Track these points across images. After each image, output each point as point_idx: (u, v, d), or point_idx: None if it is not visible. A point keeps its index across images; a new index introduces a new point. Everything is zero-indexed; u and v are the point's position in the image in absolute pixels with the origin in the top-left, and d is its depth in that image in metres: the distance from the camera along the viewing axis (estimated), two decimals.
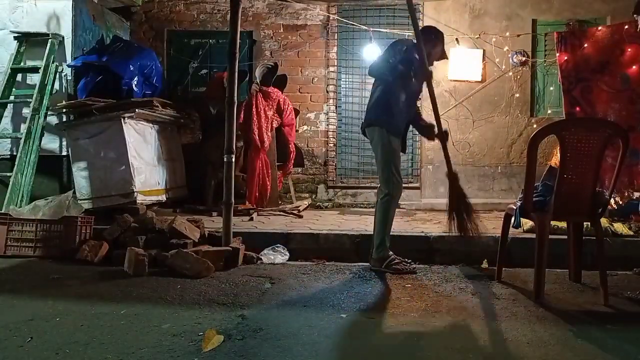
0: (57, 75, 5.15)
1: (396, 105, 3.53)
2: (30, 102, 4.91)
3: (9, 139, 5.15)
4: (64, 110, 5.12)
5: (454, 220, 3.60)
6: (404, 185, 4.02)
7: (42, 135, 4.97)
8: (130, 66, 5.18)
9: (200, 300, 2.82)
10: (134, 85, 5.16)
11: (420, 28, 3.71)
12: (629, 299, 2.98)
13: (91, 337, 2.25)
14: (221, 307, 2.69)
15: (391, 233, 3.65)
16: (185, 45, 6.58)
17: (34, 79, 5.10)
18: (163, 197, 5.31)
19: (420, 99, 4.06)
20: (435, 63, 3.87)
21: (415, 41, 3.61)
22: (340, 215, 5.41)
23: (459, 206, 3.60)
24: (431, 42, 3.63)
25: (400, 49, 3.52)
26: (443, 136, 3.69)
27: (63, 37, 5.23)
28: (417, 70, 3.54)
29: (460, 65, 6.14)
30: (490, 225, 4.59)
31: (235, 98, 3.86)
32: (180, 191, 5.74)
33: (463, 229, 3.57)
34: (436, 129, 3.68)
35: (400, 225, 4.51)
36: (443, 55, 3.80)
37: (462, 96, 6.26)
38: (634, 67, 4.71)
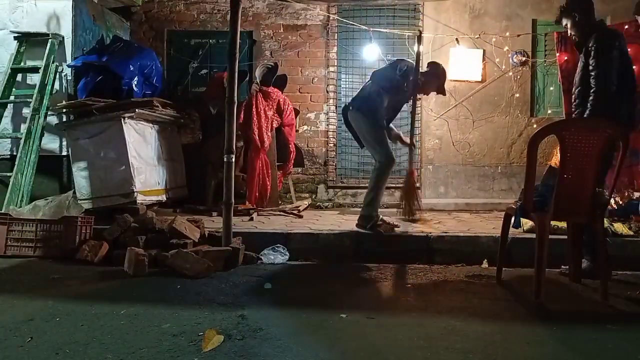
0: (57, 75, 5.15)
1: (381, 109, 4.18)
2: (30, 102, 4.91)
3: (9, 139, 5.15)
4: (64, 110, 5.12)
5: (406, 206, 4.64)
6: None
7: (42, 135, 4.97)
8: (130, 66, 5.17)
9: (200, 300, 2.82)
10: (134, 85, 5.16)
11: (428, 62, 4.67)
12: (629, 299, 2.98)
13: (91, 337, 2.25)
14: (221, 307, 2.69)
15: (391, 233, 3.98)
16: (185, 45, 6.58)
17: (34, 79, 5.10)
18: (163, 197, 5.31)
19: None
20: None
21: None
22: (340, 215, 5.41)
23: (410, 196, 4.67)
24: (431, 76, 4.41)
25: (401, 67, 4.22)
26: (412, 145, 4.73)
27: (63, 37, 5.22)
28: (408, 89, 4.32)
29: (460, 65, 6.14)
30: (490, 225, 4.60)
31: (235, 98, 3.86)
32: (180, 191, 5.74)
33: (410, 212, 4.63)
34: (407, 139, 4.67)
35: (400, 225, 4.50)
36: (440, 91, 4.47)
37: (462, 96, 6.26)
38: (634, 67, 4.69)
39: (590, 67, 3.32)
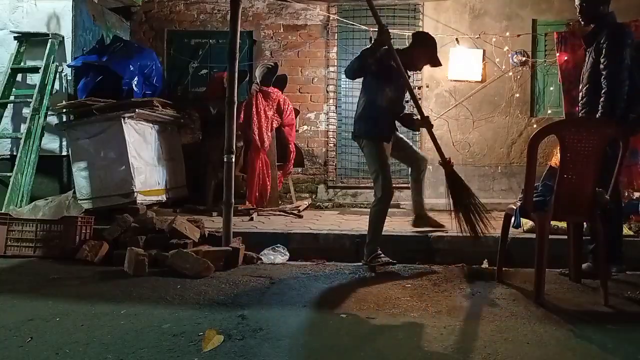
0: (57, 75, 5.16)
1: (380, 114, 3.69)
2: (30, 102, 4.91)
3: (9, 139, 5.15)
4: (64, 110, 5.12)
5: (460, 217, 3.65)
6: (404, 185, 4.29)
7: (42, 135, 4.97)
8: (130, 66, 5.18)
9: (200, 300, 2.82)
10: (134, 85, 5.16)
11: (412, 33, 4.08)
12: (629, 299, 2.98)
13: (91, 337, 2.25)
14: (221, 307, 2.69)
15: (392, 233, 3.96)
16: (185, 45, 6.58)
17: (34, 79, 5.10)
18: (163, 197, 5.31)
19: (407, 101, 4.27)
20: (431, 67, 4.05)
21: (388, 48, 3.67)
22: (340, 215, 5.41)
23: (460, 198, 3.68)
24: (418, 46, 3.84)
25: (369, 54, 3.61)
26: (428, 123, 3.83)
27: (63, 37, 5.23)
28: (387, 62, 3.64)
29: (460, 65, 6.14)
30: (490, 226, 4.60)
31: (235, 98, 3.86)
32: (180, 191, 5.74)
33: (470, 226, 3.62)
34: (417, 117, 3.87)
35: (400, 225, 4.51)
36: (433, 62, 3.88)
37: (462, 96, 6.25)
38: None
39: (602, 66, 3.21)
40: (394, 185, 3.87)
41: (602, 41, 3.25)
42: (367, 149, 3.73)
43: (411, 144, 4.11)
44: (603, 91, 3.20)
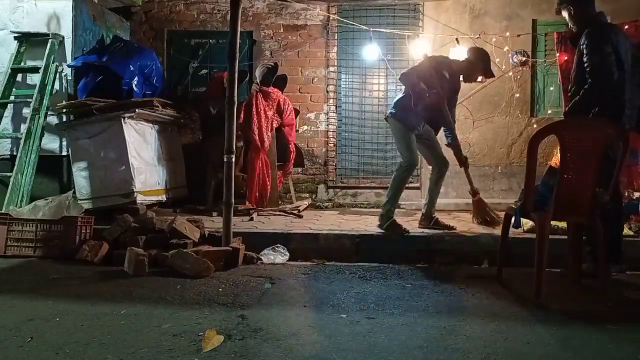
0: (57, 75, 5.15)
1: (413, 109, 4.16)
2: (31, 102, 4.90)
3: (9, 139, 5.14)
4: (64, 110, 5.12)
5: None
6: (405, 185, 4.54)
7: (42, 135, 4.97)
8: (131, 66, 5.17)
9: (200, 300, 2.82)
10: (134, 85, 5.15)
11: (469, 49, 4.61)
12: (629, 299, 2.98)
13: (91, 337, 2.25)
14: (221, 307, 2.70)
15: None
16: (185, 45, 6.58)
17: (34, 79, 5.10)
18: (163, 197, 5.31)
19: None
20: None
21: (447, 61, 4.45)
22: (340, 215, 5.41)
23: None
24: (474, 60, 4.37)
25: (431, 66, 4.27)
26: (465, 163, 4.60)
27: (63, 37, 5.22)
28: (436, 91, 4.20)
29: None
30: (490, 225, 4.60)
31: (235, 98, 3.86)
32: (180, 191, 5.74)
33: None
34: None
35: None
36: (487, 74, 4.50)
37: (462, 96, 6.21)
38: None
39: (585, 65, 3.24)
40: (412, 185, 4.29)
41: (582, 42, 3.31)
42: (394, 130, 4.32)
43: (440, 144, 4.49)
44: (585, 86, 3.21)
